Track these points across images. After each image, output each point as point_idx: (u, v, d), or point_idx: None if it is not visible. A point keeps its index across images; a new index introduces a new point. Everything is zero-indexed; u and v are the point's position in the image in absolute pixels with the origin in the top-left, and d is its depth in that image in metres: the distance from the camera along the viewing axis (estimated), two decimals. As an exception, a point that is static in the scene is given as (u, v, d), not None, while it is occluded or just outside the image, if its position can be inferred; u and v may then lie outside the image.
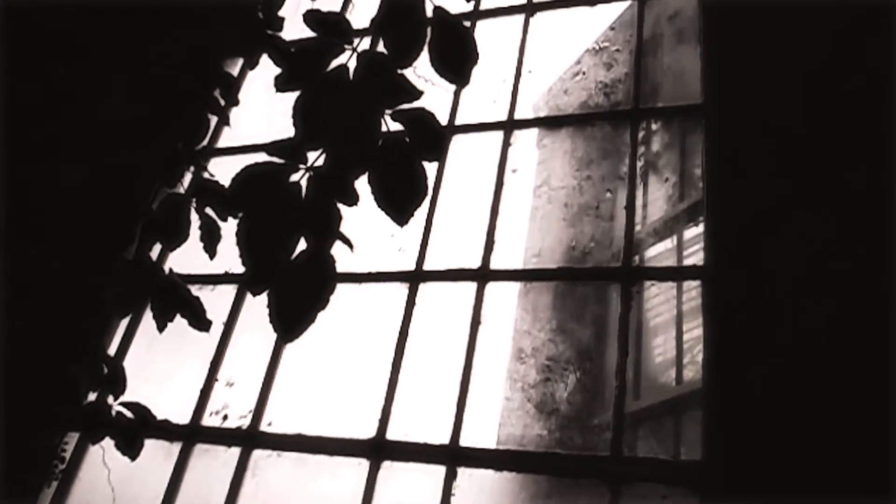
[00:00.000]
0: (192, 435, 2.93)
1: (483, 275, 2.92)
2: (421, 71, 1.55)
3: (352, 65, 1.46)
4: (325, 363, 2.94)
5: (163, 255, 3.18)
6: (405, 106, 1.41)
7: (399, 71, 1.46)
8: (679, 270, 2.81)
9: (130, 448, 2.34)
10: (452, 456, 2.55)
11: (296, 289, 1.19)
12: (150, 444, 2.36)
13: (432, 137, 1.35)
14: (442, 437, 2.61)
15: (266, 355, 3.03)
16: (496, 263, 2.95)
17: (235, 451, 2.84)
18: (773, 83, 2.75)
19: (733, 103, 2.83)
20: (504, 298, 2.91)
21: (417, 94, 1.38)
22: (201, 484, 2.82)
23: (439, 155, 1.34)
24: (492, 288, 2.90)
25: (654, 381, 3.18)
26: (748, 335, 2.36)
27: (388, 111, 1.40)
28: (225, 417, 2.96)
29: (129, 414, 2.37)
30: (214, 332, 3.17)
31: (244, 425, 2.89)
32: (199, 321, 2.49)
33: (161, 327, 2.45)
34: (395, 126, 1.38)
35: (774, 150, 2.62)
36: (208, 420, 2.98)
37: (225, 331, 3.18)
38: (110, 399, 2.36)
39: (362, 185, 1.37)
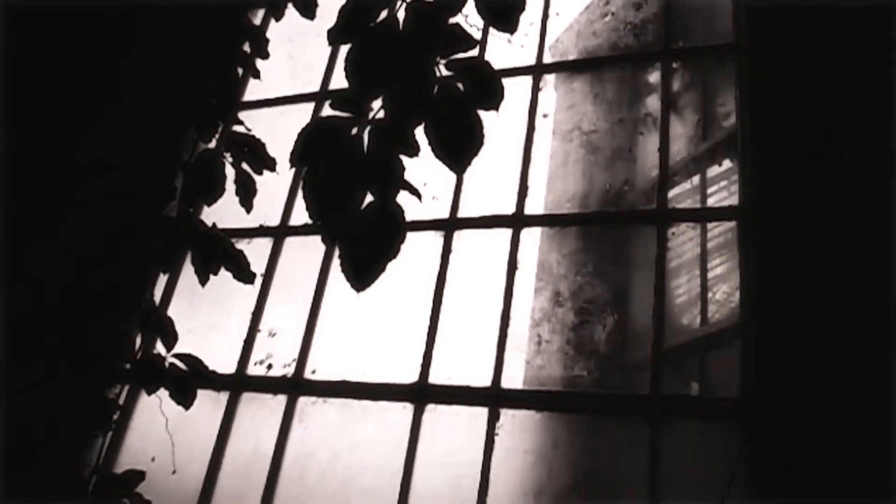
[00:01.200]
0: (238, 384, 3.02)
1: (518, 220, 2.94)
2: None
3: (401, 16, 1.47)
4: (365, 312, 3.00)
5: (197, 210, 3.22)
6: (459, 55, 1.42)
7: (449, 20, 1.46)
8: (714, 211, 2.81)
9: (184, 397, 2.42)
10: (495, 398, 2.62)
11: (367, 240, 1.22)
12: (198, 394, 2.43)
13: (489, 86, 1.36)
14: (484, 380, 2.68)
15: (306, 306, 3.10)
16: (530, 209, 2.98)
17: (282, 399, 2.93)
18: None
19: (767, 41, 2.79)
20: (538, 243, 2.94)
21: (472, 42, 1.39)
22: (250, 430, 2.92)
23: (496, 103, 1.35)
24: (527, 233, 2.93)
25: (678, 322, 3.21)
26: (788, 272, 2.38)
27: (442, 61, 1.40)
28: (269, 367, 3.04)
29: (181, 365, 2.45)
30: (253, 285, 3.23)
31: (288, 374, 2.97)
32: (243, 273, 2.55)
33: (203, 280, 2.51)
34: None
35: (810, 87, 2.60)
36: (253, 370, 3.06)
37: (263, 283, 3.24)
38: (162, 351, 2.44)
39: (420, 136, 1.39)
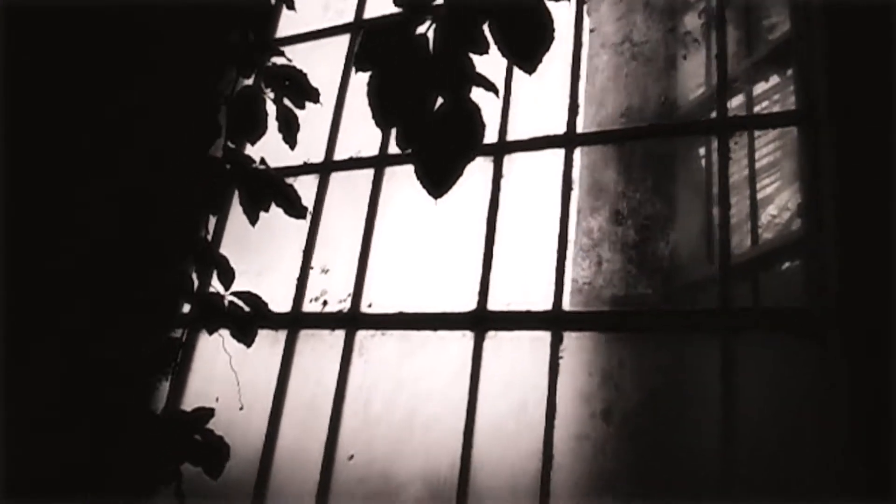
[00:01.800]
0: (295, 322, 3.02)
1: (570, 139, 2.84)
2: None
3: None
4: (417, 243, 2.95)
5: (240, 149, 3.17)
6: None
7: None
8: (778, 116, 2.66)
9: (245, 336, 2.41)
10: (557, 321, 2.56)
11: (442, 142, 1.15)
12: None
13: (557, -27, 1.26)
14: (544, 304, 2.62)
15: (357, 240, 3.06)
16: (582, 127, 2.87)
17: (340, 334, 2.92)
18: None
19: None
20: (592, 161, 2.84)
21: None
22: (311, 366, 2.92)
23: (567, -9, 1.25)
24: (580, 153, 2.83)
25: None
26: (864, 176, 2.26)
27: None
28: (325, 303, 3.03)
29: (240, 303, 2.44)
30: (302, 223, 3.20)
31: (344, 309, 2.96)
32: (295, 208, 2.51)
33: (253, 220, 2.48)
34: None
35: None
36: (308, 307, 3.05)
37: (312, 220, 3.20)
38: (220, 290, 2.43)
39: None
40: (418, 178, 1.19)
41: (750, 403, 2.27)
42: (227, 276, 2.46)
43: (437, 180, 1.18)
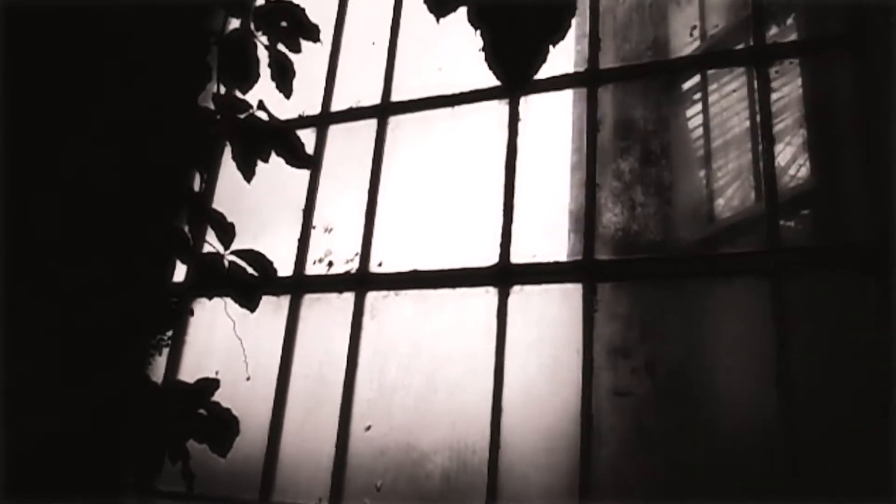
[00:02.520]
0: (298, 286, 2.78)
1: (594, 77, 2.62)
2: None
3: None
4: (428, 197, 2.73)
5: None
6: None
7: None
8: (821, 41, 2.45)
9: (249, 301, 2.17)
10: (589, 271, 2.36)
11: (526, 18, 0.92)
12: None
13: None
14: (573, 253, 2.42)
15: (362, 196, 2.82)
16: (604, 64, 2.65)
17: (348, 296, 2.69)
18: None
19: None
20: (618, 99, 2.63)
21: None
22: (319, 332, 2.70)
23: None
24: (605, 91, 2.61)
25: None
26: None
27: None
28: (330, 264, 2.79)
29: (242, 264, 2.20)
30: (301, 180, 2.96)
31: (353, 269, 2.73)
32: (299, 157, 2.27)
33: (249, 174, 2.23)
34: None
35: None
36: (312, 269, 2.82)
37: (312, 176, 2.96)
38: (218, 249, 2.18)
39: None
40: (489, 66, 0.97)
41: (800, 343, 2.09)
42: (227, 234, 2.20)
43: (517, 65, 0.95)
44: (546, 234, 2.48)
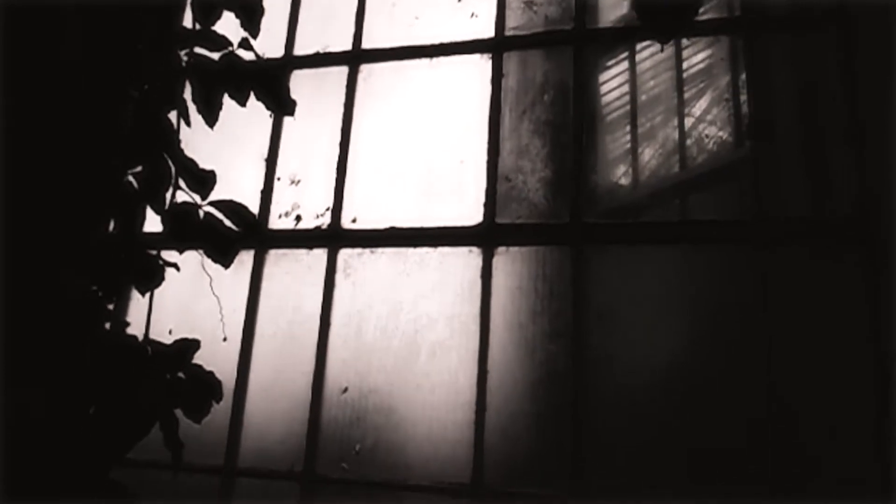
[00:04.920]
0: (262, 241, 2.61)
1: (578, 36, 2.57)
2: None
3: None
4: (406, 151, 2.61)
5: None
6: None
7: None
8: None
9: (224, 255, 2.00)
10: (579, 233, 2.33)
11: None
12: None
13: None
14: (561, 216, 2.39)
15: (333, 147, 2.67)
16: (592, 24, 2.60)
17: (319, 253, 2.55)
18: None
19: None
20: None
21: None
22: (287, 290, 2.55)
23: None
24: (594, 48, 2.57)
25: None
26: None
27: None
28: (298, 219, 2.63)
29: (218, 215, 2.03)
30: (263, 127, 2.77)
31: (323, 224, 2.58)
32: (282, 103, 2.11)
33: (212, 118, 2.05)
34: None
35: None
36: (278, 223, 2.65)
37: (276, 123, 2.77)
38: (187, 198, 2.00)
39: None
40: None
41: (787, 312, 2.16)
42: (205, 183, 2.02)
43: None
44: (535, 194, 2.43)
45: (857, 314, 2.07)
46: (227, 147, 2.75)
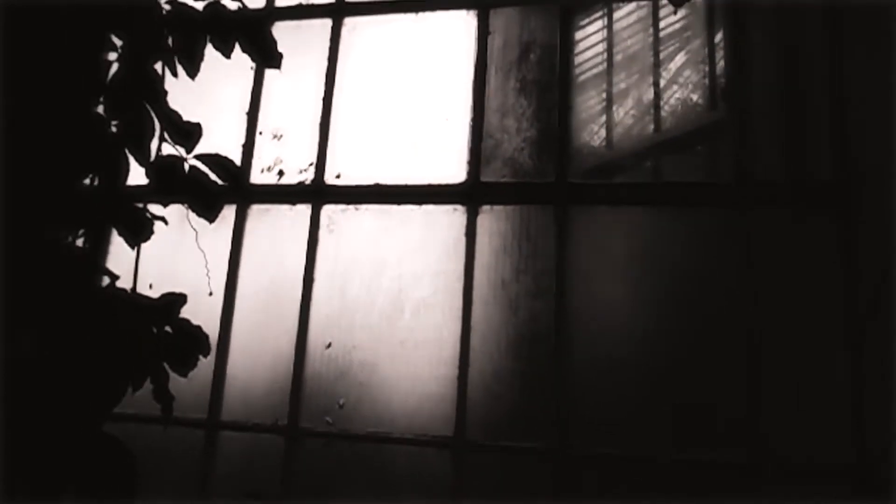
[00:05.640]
0: (244, 195, 2.59)
1: (567, -6, 2.55)
2: None
3: None
4: (392, 104, 2.59)
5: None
6: None
7: None
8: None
9: (209, 209, 1.98)
10: (565, 192, 2.35)
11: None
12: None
13: None
14: (544, 175, 2.40)
15: (316, 101, 2.63)
16: (578, -20, 2.58)
17: (302, 208, 2.54)
18: None
19: None
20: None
21: None
22: (270, 245, 2.54)
23: None
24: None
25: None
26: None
27: None
28: (280, 173, 2.61)
29: (203, 168, 2.00)
30: (244, 79, 2.72)
31: (307, 180, 2.56)
32: (269, 54, 2.08)
33: (193, 69, 2.02)
34: None
35: None
36: (260, 178, 2.62)
37: (257, 75, 2.72)
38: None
39: None
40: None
41: (766, 276, 2.22)
42: (190, 136, 1.99)
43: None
44: (521, 152, 2.44)
45: (832, 274, 2.13)
46: (207, 100, 2.70)
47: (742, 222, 2.23)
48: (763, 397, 2.11)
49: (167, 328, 1.88)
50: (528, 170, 2.43)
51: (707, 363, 2.18)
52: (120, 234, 1.83)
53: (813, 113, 2.53)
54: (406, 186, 2.47)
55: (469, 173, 2.43)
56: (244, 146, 2.65)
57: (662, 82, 3.41)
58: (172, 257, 2.57)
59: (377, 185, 2.49)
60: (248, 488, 2.31)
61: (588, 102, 2.68)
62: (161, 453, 2.39)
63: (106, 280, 1.88)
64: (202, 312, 2.50)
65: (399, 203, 2.46)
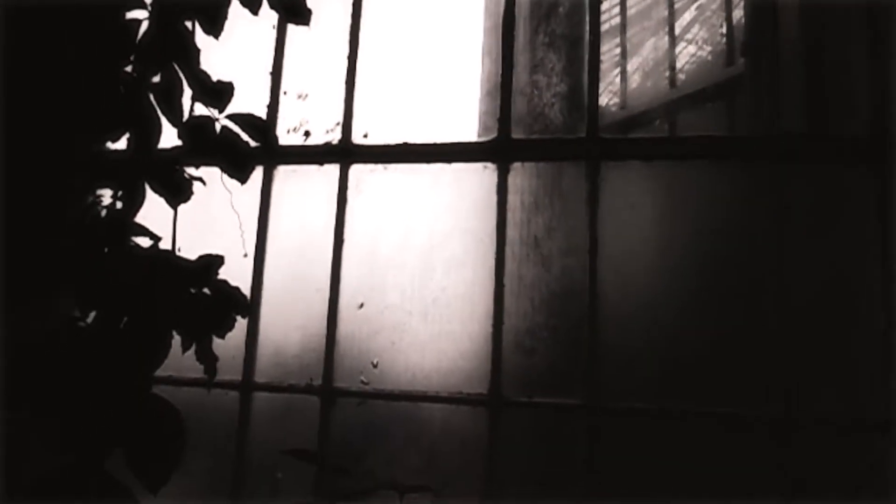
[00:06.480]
0: (271, 156, 2.56)
1: (597, -57, 2.48)
2: None
3: None
4: (418, 62, 2.55)
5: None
6: None
7: None
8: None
9: (241, 170, 1.96)
10: (597, 148, 2.32)
11: None
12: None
13: None
14: (576, 131, 2.37)
15: (340, 59, 2.59)
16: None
17: (330, 169, 2.51)
18: None
19: None
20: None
21: None
22: (297, 206, 2.52)
23: None
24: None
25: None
26: None
27: None
28: (307, 134, 2.58)
29: (233, 128, 1.98)
30: (265, 38, 2.67)
31: (333, 140, 2.54)
32: (299, 11, 2.04)
33: (217, 29, 1.98)
34: None
35: None
36: (286, 139, 2.60)
37: (279, 35, 2.67)
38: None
39: None
40: None
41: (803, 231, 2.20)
42: (221, 95, 1.96)
43: None
44: (552, 107, 2.40)
45: (868, 230, 2.11)
46: (229, 61, 2.66)
47: (777, 176, 2.20)
48: (796, 352, 2.10)
49: (205, 290, 1.88)
50: (558, 125, 2.39)
51: (740, 319, 2.18)
52: (159, 194, 1.82)
53: (837, 67, 2.49)
54: (435, 145, 2.44)
55: (499, 130, 2.40)
56: (268, 107, 2.61)
57: (677, 38, 3.36)
58: (196, 220, 2.56)
59: (405, 144, 2.46)
60: (286, 448, 2.32)
61: (601, 58, 2.63)
62: (194, 416, 2.41)
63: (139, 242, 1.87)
64: (231, 275, 2.50)
65: (428, 162, 2.44)
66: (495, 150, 2.38)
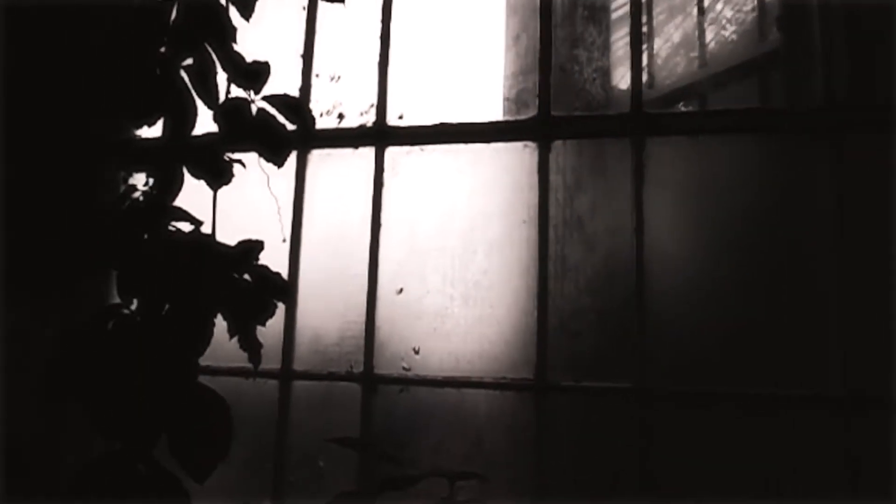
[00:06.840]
0: (305, 140, 2.51)
1: (637, -89, 2.39)
2: None
3: None
4: (453, 40, 2.48)
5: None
6: None
7: None
8: None
9: (278, 154, 1.90)
10: (642, 124, 2.24)
11: None
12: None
13: None
14: (621, 107, 2.29)
15: (373, 41, 2.53)
16: None
17: (365, 152, 2.46)
18: None
19: None
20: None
21: None
22: (333, 190, 2.47)
23: None
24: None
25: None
26: None
27: None
28: (340, 117, 2.53)
29: (270, 109, 1.92)
30: (295, 19, 2.62)
31: (368, 122, 2.48)
32: (337, -11, 1.98)
33: (248, 11, 1.93)
34: None
35: None
36: (320, 122, 2.54)
37: (310, 16, 2.62)
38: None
39: None
40: None
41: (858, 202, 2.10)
42: (257, 76, 1.91)
43: None
44: (593, 83, 2.32)
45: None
46: (260, 43, 2.61)
47: (830, 147, 2.10)
48: (851, 331, 2.02)
49: (245, 276, 1.83)
50: (600, 101, 2.32)
51: (790, 297, 2.09)
52: (199, 177, 1.78)
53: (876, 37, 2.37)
54: (472, 124, 2.37)
55: (539, 107, 2.33)
56: (301, 90, 2.56)
57: (706, 13, 3.24)
58: (229, 206, 2.52)
59: (442, 125, 2.40)
60: (329, 437, 2.28)
61: (626, 39, 2.55)
62: (233, 406, 2.37)
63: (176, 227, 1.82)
64: (268, 261, 2.45)
65: (466, 142, 2.37)
66: (536, 128, 2.31)
